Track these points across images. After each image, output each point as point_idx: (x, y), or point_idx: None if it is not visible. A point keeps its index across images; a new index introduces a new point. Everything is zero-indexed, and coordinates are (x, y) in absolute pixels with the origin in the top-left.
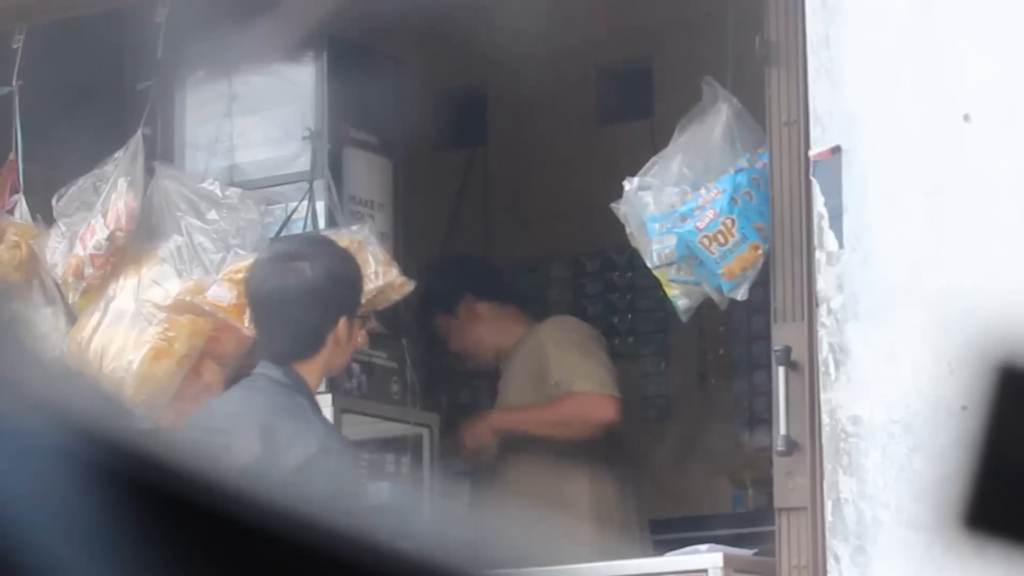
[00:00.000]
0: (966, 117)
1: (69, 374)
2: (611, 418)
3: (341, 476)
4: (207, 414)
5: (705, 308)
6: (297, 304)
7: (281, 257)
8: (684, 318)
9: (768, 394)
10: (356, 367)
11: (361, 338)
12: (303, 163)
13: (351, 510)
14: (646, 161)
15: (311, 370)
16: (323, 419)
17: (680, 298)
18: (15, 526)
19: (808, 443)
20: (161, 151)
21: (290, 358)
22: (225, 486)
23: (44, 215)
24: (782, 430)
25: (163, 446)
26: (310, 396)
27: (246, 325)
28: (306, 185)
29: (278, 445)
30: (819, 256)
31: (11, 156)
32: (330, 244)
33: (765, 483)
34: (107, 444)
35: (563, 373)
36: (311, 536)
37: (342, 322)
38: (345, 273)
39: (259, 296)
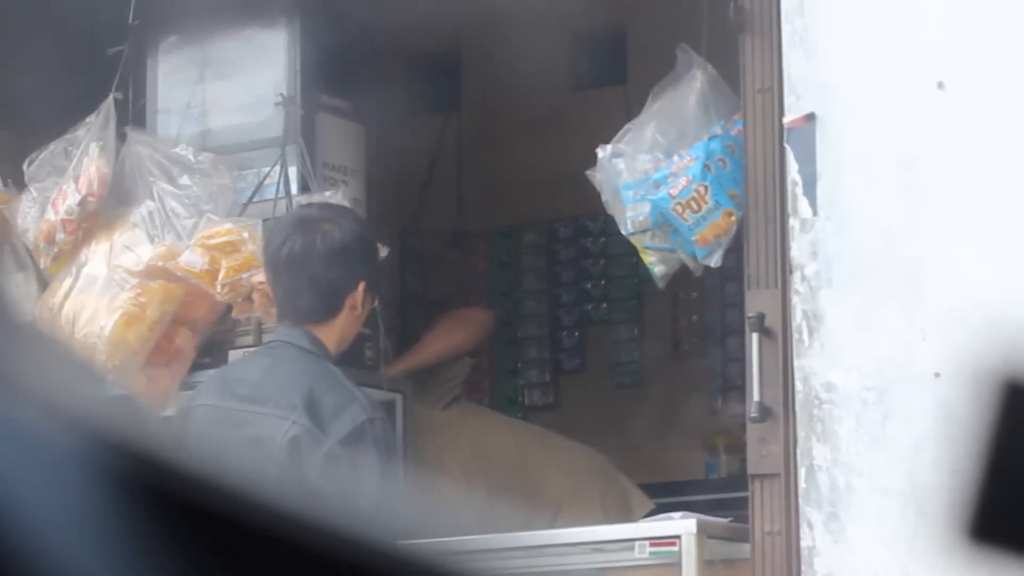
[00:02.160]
0: (940, 85)
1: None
2: (486, 317)
3: (388, 446)
4: (233, 382)
5: (679, 275)
6: (322, 262)
7: (305, 220)
8: (661, 285)
9: (741, 361)
10: None
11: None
12: (276, 128)
13: (400, 487)
14: (620, 128)
15: (328, 335)
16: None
17: (656, 265)
18: (26, 527)
19: (782, 410)
20: (133, 116)
21: (310, 319)
22: (242, 486)
23: (15, 180)
24: (756, 397)
25: (176, 446)
26: (336, 364)
27: (218, 291)
28: (279, 150)
29: (324, 415)
30: (793, 223)
31: None
32: (353, 210)
33: (738, 449)
34: (117, 444)
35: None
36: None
37: (361, 286)
38: (368, 238)
39: (281, 255)
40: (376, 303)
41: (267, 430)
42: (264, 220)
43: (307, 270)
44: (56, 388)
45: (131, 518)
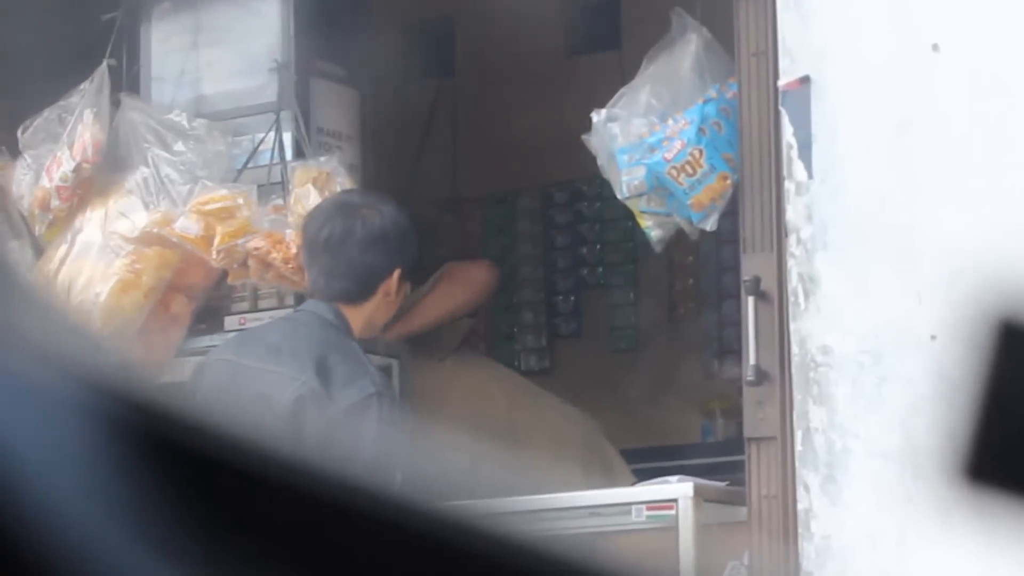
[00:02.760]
0: (935, 47)
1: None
2: (488, 272)
3: (393, 422)
4: (251, 342)
5: (675, 239)
6: (360, 246)
7: (347, 205)
8: (657, 249)
9: (738, 324)
10: None
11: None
12: (270, 94)
13: (401, 457)
14: (615, 92)
15: (356, 317)
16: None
17: (653, 229)
18: (25, 476)
19: (778, 373)
20: (127, 83)
21: (342, 299)
22: (257, 438)
23: (9, 147)
24: (752, 360)
25: (186, 402)
26: (357, 341)
27: (213, 257)
28: (273, 116)
29: (334, 382)
30: (788, 186)
31: None
32: (393, 200)
33: (735, 413)
34: (117, 393)
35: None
36: (350, 493)
37: (396, 273)
38: (408, 227)
39: (320, 238)
40: (408, 290)
41: (275, 388)
42: (259, 185)
43: (345, 254)
44: (56, 339)
45: (131, 466)
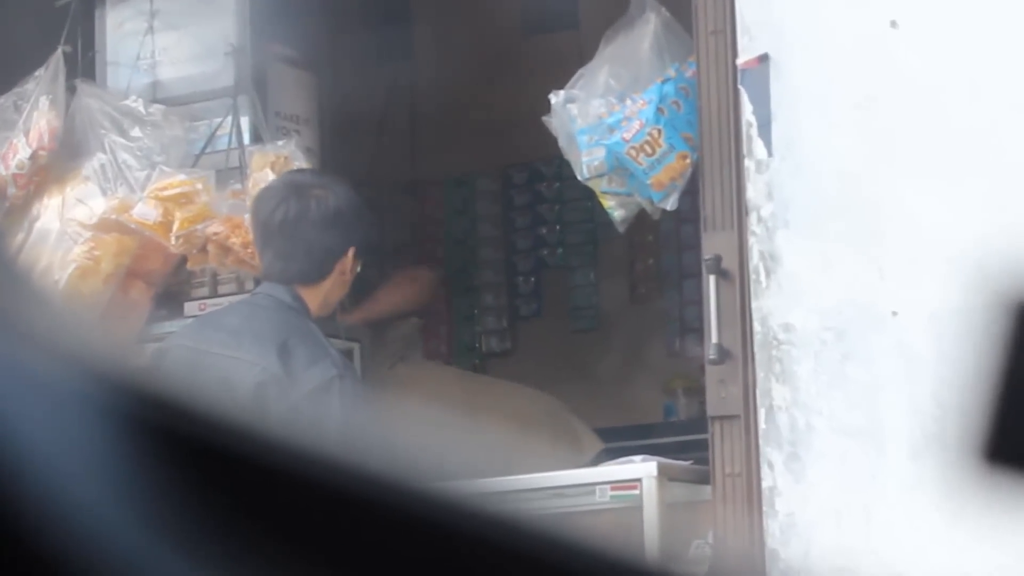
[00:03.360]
0: (893, 23)
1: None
2: (428, 280)
3: (356, 404)
4: (209, 327)
5: (635, 218)
6: (316, 226)
7: (298, 184)
8: (621, 229)
9: (699, 303)
10: None
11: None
12: (227, 79)
13: (365, 439)
14: (574, 72)
15: (313, 297)
16: (333, 347)
17: (616, 209)
18: (28, 466)
19: (740, 352)
20: (83, 69)
21: (297, 280)
22: (231, 419)
23: None
24: (714, 339)
25: (167, 383)
26: (315, 323)
27: (172, 243)
28: (230, 101)
29: (296, 365)
30: (748, 164)
31: None
32: (343, 178)
33: (697, 392)
34: (120, 384)
35: None
36: (323, 470)
37: (351, 252)
38: (361, 205)
39: (274, 220)
40: (360, 268)
41: (236, 374)
42: (217, 170)
43: (301, 235)
44: (56, 329)
45: (136, 457)
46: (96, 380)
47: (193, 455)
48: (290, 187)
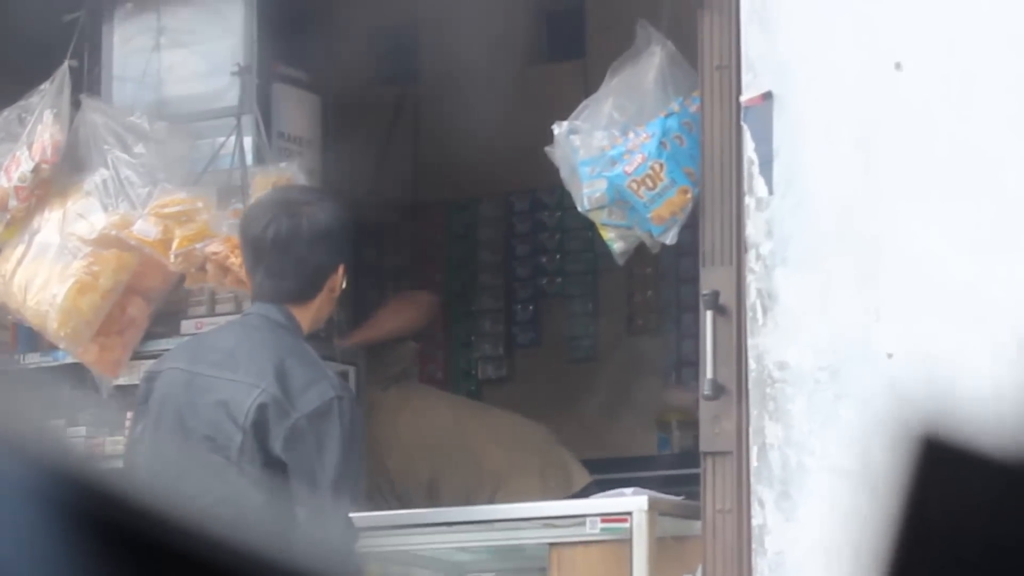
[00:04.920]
0: (898, 65)
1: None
2: (427, 304)
3: (352, 425)
4: (203, 349)
5: (634, 250)
6: (308, 245)
7: (288, 202)
8: (620, 261)
9: (696, 337)
10: None
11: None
12: (231, 98)
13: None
14: (578, 101)
15: (304, 316)
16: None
17: (615, 241)
18: None
19: (735, 388)
20: (88, 84)
21: (289, 300)
22: (191, 522)
23: None
24: (709, 374)
25: (126, 482)
26: (308, 342)
27: (171, 261)
28: (234, 120)
29: (294, 386)
30: (748, 201)
31: None
32: (330, 193)
33: (691, 426)
34: (70, 480)
35: None
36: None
37: (341, 268)
38: (348, 221)
39: (265, 237)
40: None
41: (235, 396)
42: (219, 189)
43: (293, 253)
44: (9, 422)
45: (81, 551)
46: (40, 472)
47: (127, 546)
48: (280, 205)
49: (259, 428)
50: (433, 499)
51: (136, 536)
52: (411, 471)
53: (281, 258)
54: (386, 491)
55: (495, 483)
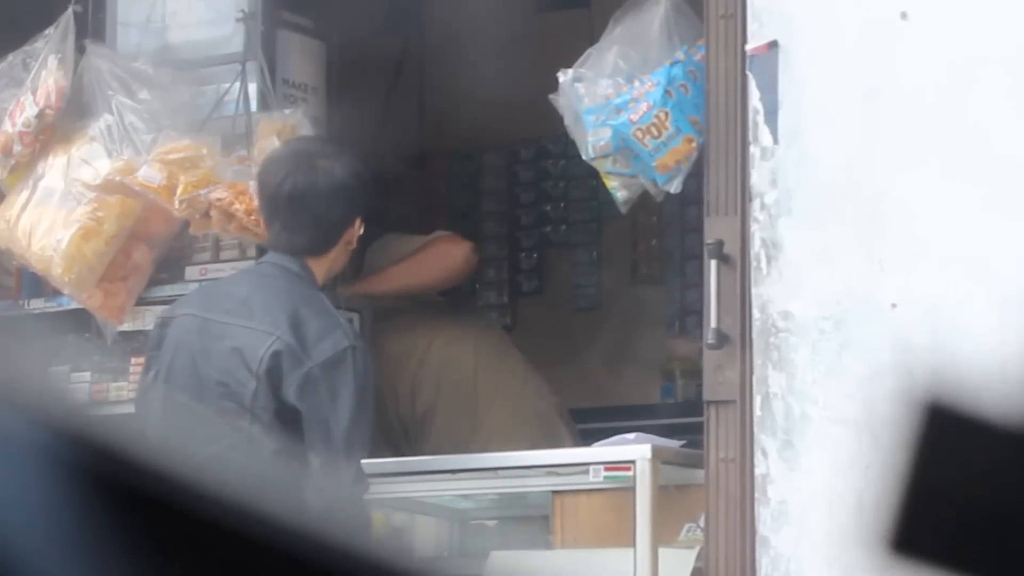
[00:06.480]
0: (903, 15)
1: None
2: (466, 256)
3: (366, 375)
4: (217, 296)
5: (639, 199)
6: (325, 199)
7: (304, 155)
8: (623, 210)
9: (700, 286)
10: None
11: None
12: (236, 44)
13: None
14: (583, 50)
15: (319, 267)
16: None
17: (619, 190)
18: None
19: (738, 337)
20: (92, 29)
21: (305, 252)
22: (195, 477)
23: None
24: (713, 323)
25: (134, 434)
26: (322, 292)
27: (176, 207)
28: (239, 67)
29: (308, 335)
30: (753, 151)
31: None
32: (348, 146)
33: (695, 375)
34: (76, 436)
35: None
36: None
37: (357, 222)
38: (366, 174)
39: (282, 191)
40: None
41: (250, 343)
42: (223, 136)
43: (309, 208)
44: (13, 380)
45: (89, 510)
46: (48, 431)
47: (134, 504)
48: (297, 157)
49: (273, 376)
50: (424, 433)
51: (145, 493)
52: (416, 397)
53: (297, 212)
54: (391, 414)
55: (483, 445)
